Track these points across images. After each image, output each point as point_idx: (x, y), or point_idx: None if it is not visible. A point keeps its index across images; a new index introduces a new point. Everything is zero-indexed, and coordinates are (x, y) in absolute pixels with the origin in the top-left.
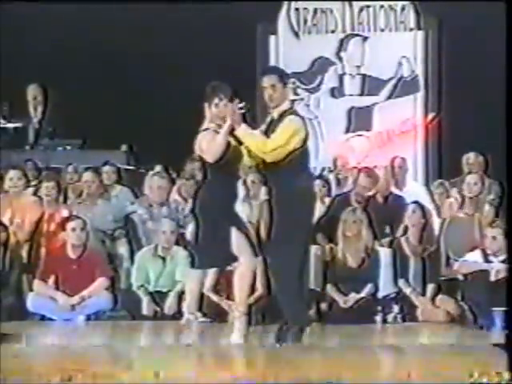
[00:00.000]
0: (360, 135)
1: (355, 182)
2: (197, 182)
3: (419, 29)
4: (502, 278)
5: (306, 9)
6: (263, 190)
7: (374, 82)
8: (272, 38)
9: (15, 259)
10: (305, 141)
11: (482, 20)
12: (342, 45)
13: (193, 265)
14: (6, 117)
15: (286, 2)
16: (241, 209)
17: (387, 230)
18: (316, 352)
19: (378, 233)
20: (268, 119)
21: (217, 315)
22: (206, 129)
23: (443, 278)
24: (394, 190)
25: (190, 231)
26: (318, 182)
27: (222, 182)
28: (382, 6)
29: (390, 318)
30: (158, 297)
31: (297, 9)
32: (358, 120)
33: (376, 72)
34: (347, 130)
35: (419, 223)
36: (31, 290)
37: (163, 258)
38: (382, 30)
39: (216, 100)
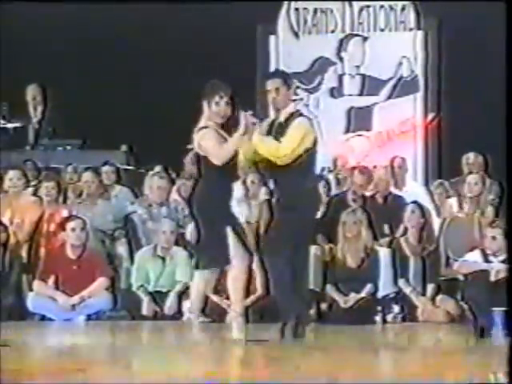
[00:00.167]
0: (360, 135)
1: (351, 180)
2: (196, 181)
3: (419, 29)
4: (502, 278)
5: (305, 9)
6: (263, 190)
7: (374, 81)
8: (272, 38)
9: (15, 259)
10: (314, 143)
11: (481, 20)
12: (341, 45)
13: (197, 266)
14: (6, 117)
15: (285, 2)
16: (240, 209)
17: (386, 229)
18: (316, 352)
19: (378, 233)
20: (269, 120)
21: (217, 315)
22: (205, 127)
23: (443, 278)
24: (393, 190)
25: (189, 231)
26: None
27: (217, 181)
28: (381, 6)
29: (389, 317)
30: (157, 297)
31: (297, 9)
32: (358, 120)
33: (376, 72)
34: (347, 130)
35: (418, 223)
36: (31, 290)
37: (163, 258)
38: (382, 30)
39: (217, 98)
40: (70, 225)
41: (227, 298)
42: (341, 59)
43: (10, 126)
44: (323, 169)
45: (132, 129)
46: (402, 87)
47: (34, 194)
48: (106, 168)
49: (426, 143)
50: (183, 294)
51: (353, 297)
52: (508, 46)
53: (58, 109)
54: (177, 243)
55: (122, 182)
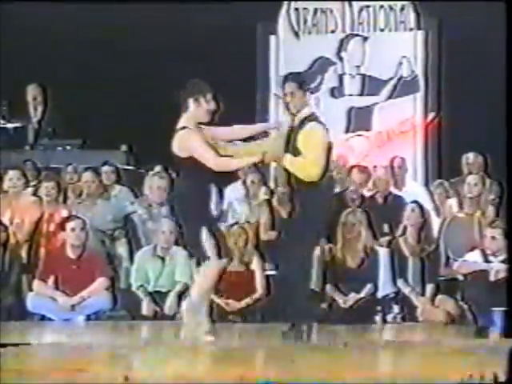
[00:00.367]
0: (360, 135)
1: (349, 179)
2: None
3: (419, 29)
4: (502, 278)
5: (305, 9)
6: (263, 189)
7: (374, 81)
8: (272, 38)
9: (15, 259)
10: (330, 147)
11: (481, 20)
12: (341, 45)
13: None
14: (6, 117)
15: (285, 2)
16: (240, 209)
17: (386, 229)
18: (316, 352)
19: (378, 233)
20: (288, 126)
21: (216, 315)
22: (185, 127)
23: (443, 278)
24: (393, 190)
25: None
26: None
27: (194, 181)
28: (381, 6)
29: (389, 317)
30: (157, 297)
31: (297, 9)
32: (358, 120)
33: (376, 72)
34: (347, 130)
35: (418, 223)
36: (31, 290)
37: (162, 258)
38: (382, 30)
39: (202, 97)
40: (70, 225)
41: (227, 297)
42: (341, 59)
43: (9, 125)
44: None
45: (132, 129)
46: (402, 87)
47: (34, 194)
48: (105, 168)
49: (425, 143)
50: (183, 293)
51: (352, 297)
52: (508, 45)
53: (58, 109)
54: (176, 243)
55: (121, 182)
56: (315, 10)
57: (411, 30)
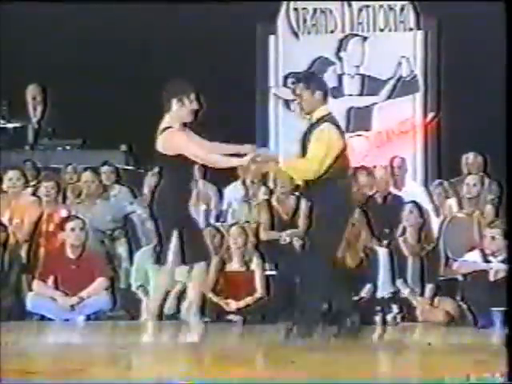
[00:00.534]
0: (359, 135)
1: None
2: (195, 181)
3: (419, 29)
4: (501, 278)
5: (305, 9)
6: (262, 189)
7: (374, 81)
8: (271, 38)
9: (14, 259)
10: (343, 149)
11: (481, 20)
12: (341, 45)
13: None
14: (6, 117)
15: (285, 2)
16: (240, 209)
17: (386, 231)
18: (316, 352)
19: (377, 233)
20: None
21: (216, 315)
22: (169, 127)
23: (442, 278)
24: (393, 190)
25: None
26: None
27: (177, 182)
28: (381, 6)
29: (389, 318)
30: None
31: (296, 9)
32: (358, 120)
33: (375, 72)
34: (346, 130)
35: (417, 223)
36: (30, 290)
37: None
38: (382, 30)
39: (186, 97)
40: (70, 225)
41: (226, 297)
42: (340, 59)
43: (9, 125)
44: None
45: (131, 129)
46: (402, 87)
47: (34, 194)
48: (105, 168)
49: (425, 143)
50: (182, 294)
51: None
52: (508, 46)
53: (58, 109)
54: None
55: (121, 181)
56: (314, 10)
57: (411, 30)
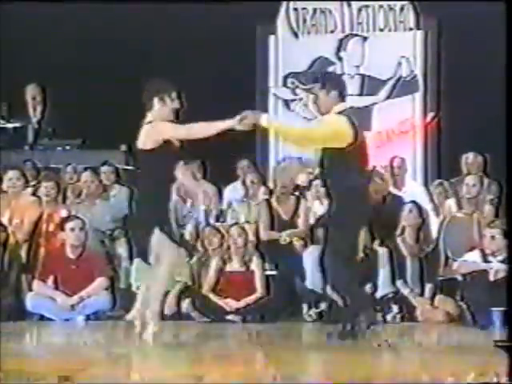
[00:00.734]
0: None
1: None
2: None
3: (418, 29)
4: (501, 277)
5: (305, 9)
6: (262, 189)
7: (373, 81)
8: (271, 38)
9: (14, 259)
10: (352, 143)
11: (481, 20)
12: (341, 45)
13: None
14: (5, 117)
15: (285, 3)
16: (239, 209)
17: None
18: (315, 352)
19: (377, 233)
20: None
21: (216, 315)
22: (152, 121)
23: (442, 278)
24: (392, 190)
25: (189, 231)
26: (316, 183)
27: (153, 181)
28: (381, 6)
29: (389, 317)
30: None
31: (296, 9)
32: (357, 120)
33: (375, 72)
34: None
35: (416, 223)
36: (30, 290)
37: None
38: (381, 30)
39: (167, 96)
40: (69, 225)
41: (226, 297)
42: (340, 59)
43: (9, 125)
44: None
45: (131, 129)
46: (402, 87)
47: (34, 194)
48: (105, 168)
49: (425, 143)
50: (183, 293)
51: None
52: (508, 45)
53: (58, 109)
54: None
55: (121, 181)
56: (314, 10)
57: (410, 29)
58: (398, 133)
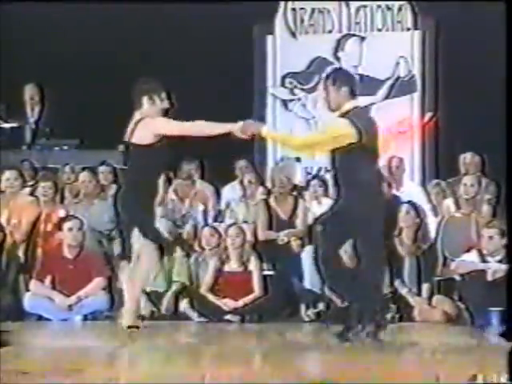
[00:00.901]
0: None
1: None
2: (193, 182)
3: (416, 29)
4: (499, 277)
5: (302, 9)
6: (260, 189)
7: (371, 81)
8: (269, 38)
9: (12, 259)
10: (357, 142)
11: (478, 20)
12: (339, 45)
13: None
14: (3, 117)
15: (282, 2)
16: (237, 209)
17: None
18: (315, 352)
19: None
20: None
21: (214, 315)
22: (143, 118)
23: (440, 278)
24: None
25: (186, 231)
26: (314, 182)
27: (137, 183)
28: (379, 6)
29: (388, 317)
30: (154, 297)
31: (294, 9)
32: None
33: (373, 72)
34: None
35: (413, 224)
36: (28, 290)
37: None
38: (379, 30)
39: (156, 95)
40: (67, 225)
41: (224, 297)
42: (338, 59)
43: (6, 125)
44: (320, 169)
45: None
46: (400, 87)
47: (31, 194)
48: (103, 168)
49: (423, 143)
50: (180, 293)
51: None
52: (508, 45)
53: (56, 109)
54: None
55: (119, 182)
56: (312, 10)
57: (408, 29)
58: (396, 133)
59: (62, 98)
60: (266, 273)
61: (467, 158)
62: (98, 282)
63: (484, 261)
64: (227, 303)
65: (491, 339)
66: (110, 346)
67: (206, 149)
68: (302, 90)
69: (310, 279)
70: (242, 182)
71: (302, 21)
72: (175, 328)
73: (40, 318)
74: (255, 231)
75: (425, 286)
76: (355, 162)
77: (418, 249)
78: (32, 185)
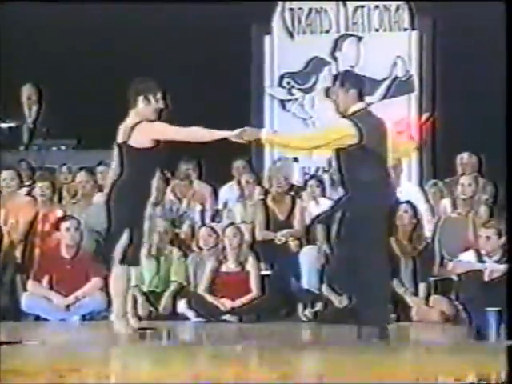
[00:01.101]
0: None
1: None
2: (191, 182)
3: (413, 29)
4: (496, 277)
5: (300, 9)
6: (257, 189)
7: (369, 82)
8: (267, 38)
9: (9, 259)
10: (358, 143)
11: (476, 19)
12: (336, 45)
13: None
14: (1, 117)
15: (280, 2)
16: (235, 209)
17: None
18: (314, 352)
19: None
20: None
21: (211, 315)
22: (140, 121)
23: (437, 278)
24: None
25: (184, 231)
26: (312, 182)
27: (137, 181)
28: (376, 6)
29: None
30: (152, 297)
31: (291, 9)
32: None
33: (370, 72)
34: None
35: (410, 224)
36: (25, 290)
37: (157, 258)
38: (377, 30)
39: (152, 95)
40: (65, 225)
41: (222, 297)
42: (335, 59)
43: (4, 125)
44: (317, 169)
45: None
46: (397, 87)
47: (29, 194)
48: (100, 168)
49: (420, 143)
50: (178, 293)
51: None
52: (508, 46)
53: (53, 109)
54: (171, 243)
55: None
56: (310, 10)
57: (406, 30)
58: (394, 133)
59: (60, 98)
60: (264, 273)
61: (464, 158)
62: (96, 282)
63: (481, 261)
64: (225, 303)
65: (488, 339)
66: (107, 345)
67: (204, 149)
68: (300, 90)
69: (307, 279)
70: (239, 182)
71: (300, 21)
72: (173, 328)
73: (37, 318)
74: (253, 231)
75: (422, 286)
76: (358, 163)
77: (415, 249)
78: (29, 185)
